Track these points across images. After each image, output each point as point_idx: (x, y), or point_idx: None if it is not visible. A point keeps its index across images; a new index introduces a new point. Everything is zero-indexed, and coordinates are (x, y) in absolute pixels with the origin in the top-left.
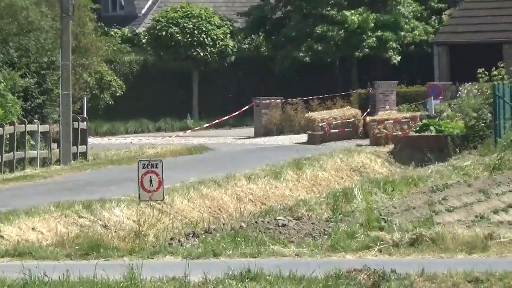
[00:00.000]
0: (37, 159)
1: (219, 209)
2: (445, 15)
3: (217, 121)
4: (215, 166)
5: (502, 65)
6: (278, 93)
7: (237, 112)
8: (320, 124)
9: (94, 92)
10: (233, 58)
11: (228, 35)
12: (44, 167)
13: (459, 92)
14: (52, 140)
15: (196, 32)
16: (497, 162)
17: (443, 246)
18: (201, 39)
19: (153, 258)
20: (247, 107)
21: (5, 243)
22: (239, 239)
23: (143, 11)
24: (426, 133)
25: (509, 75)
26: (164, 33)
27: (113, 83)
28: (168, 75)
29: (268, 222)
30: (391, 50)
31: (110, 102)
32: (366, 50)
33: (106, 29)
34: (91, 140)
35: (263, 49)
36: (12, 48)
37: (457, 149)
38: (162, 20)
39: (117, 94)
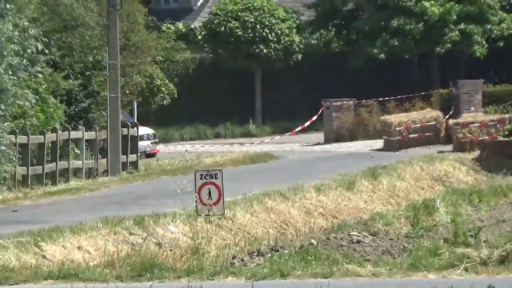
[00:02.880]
0: (82, 170)
1: (286, 224)
2: None
3: (288, 133)
4: (281, 176)
5: None
6: (351, 94)
7: (308, 122)
8: (398, 128)
9: (146, 94)
10: (299, 56)
11: (294, 30)
12: (90, 178)
13: None
14: (99, 149)
15: (258, 26)
16: None
17: None
18: (264, 34)
19: (213, 279)
20: (319, 112)
21: (48, 263)
22: (309, 257)
23: (198, 4)
24: None
25: None
26: (222, 28)
27: (162, 88)
28: (228, 75)
29: (341, 238)
30: (476, 45)
31: (166, 102)
32: (448, 45)
33: (158, 24)
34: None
35: (334, 45)
36: (54, 46)
37: None
38: (220, 13)
39: (163, 103)
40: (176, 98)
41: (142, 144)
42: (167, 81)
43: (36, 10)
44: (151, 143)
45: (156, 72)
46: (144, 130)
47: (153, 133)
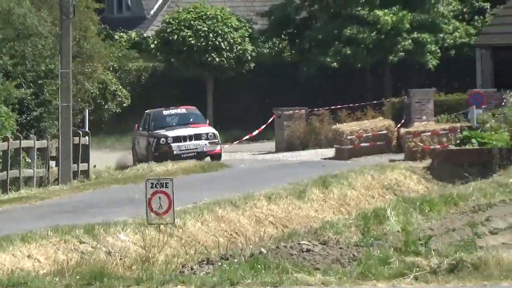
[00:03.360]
0: (33, 179)
1: (236, 232)
2: (489, 15)
3: (236, 142)
4: (231, 185)
5: None
6: (303, 103)
7: (256, 131)
8: (349, 137)
9: (98, 101)
10: (252, 65)
11: (247, 39)
12: (41, 187)
13: (505, 100)
14: (51, 158)
15: (211, 35)
16: None
17: (486, 273)
18: (217, 43)
19: None
20: (269, 121)
21: None
22: (259, 266)
23: (151, 12)
24: (467, 147)
25: None
26: (175, 36)
27: (119, 93)
28: (180, 84)
29: (291, 247)
30: (428, 54)
31: (118, 111)
32: (401, 54)
33: (111, 32)
34: (95, 156)
35: (286, 54)
36: (7, 55)
37: (502, 164)
38: (173, 22)
39: (124, 105)
40: (128, 106)
41: (199, 143)
42: (121, 87)
43: None
44: (210, 143)
45: (109, 78)
46: (202, 129)
47: (213, 133)
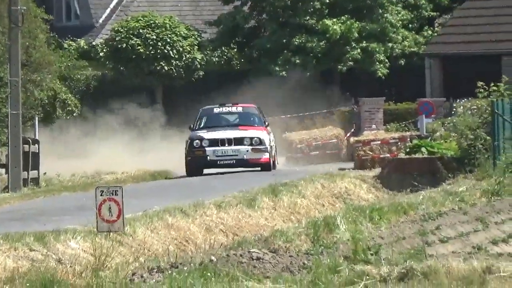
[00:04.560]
0: None
1: (186, 240)
2: (438, 24)
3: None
4: (181, 193)
5: (502, 79)
6: None
7: None
8: (299, 146)
9: (47, 109)
10: (201, 73)
11: (196, 47)
12: None
13: (454, 110)
14: (0, 165)
15: (160, 44)
16: (496, 187)
17: (436, 281)
18: (166, 51)
19: None
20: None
21: None
22: (208, 274)
23: (100, 21)
24: (417, 155)
25: (509, 90)
26: (124, 45)
27: (69, 101)
28: (129, 92)
29: (241, 255)
30: (377, 63)
31: (68, 118)
32: (350, 63)
33: (59, 41)
34: (43, 164)
35: (235, 62)
36: None
37: (451, 173)
38: (121, 30)
39: (74, 114)
40: (78, 115)
41: (239, 149)
42: (70, 95)
43: None
44: (253, 149)
45: (58, 87)
46: (248, 133)
47: (258, 138)
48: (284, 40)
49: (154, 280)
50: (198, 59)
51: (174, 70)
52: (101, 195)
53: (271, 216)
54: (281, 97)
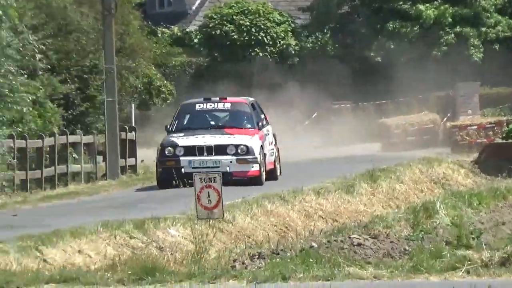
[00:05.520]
0: (81, 174)
1: (286, 227)
2: None
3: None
4: (280, 179)
5: None
6: (347, 97)
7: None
8: (395, 131)
9: (143, 96)
10: (296, 59)
11: (290, 33)
12: (89, 182)
13: None
14: (98, 153)
15: (253, 30)
16: None
17: None
18: (260, 37)
19: (214, 283)
20: (313, 116)
21: (49, 267)
22: (310, 260)
23: (193, 8)
24: None
25: None
26: (218, 31)
27: (163, 89)
28: (224, 78)
29: (341, 241)
30: (472, 48)
31: (163, 106)
32: (444, 48)
33: (153, 28)
34: (141, 152)
35: (329, 48)
36: (51, 50)
37: None
38: (215, 17)
39: (168, 102)
40: (173, 102)
41: (221, 160)
42: (165, 82)
43: (32, 16)
44: (238, 160)
45: (153, 74)
46: (233, 139)
47: (245, 146)
48: (378, 26)
49: (255, 267)
50: (292, 45)
51: (269, 56)
52: (200, 182)
53: (369, 202)
54: (376, 82)
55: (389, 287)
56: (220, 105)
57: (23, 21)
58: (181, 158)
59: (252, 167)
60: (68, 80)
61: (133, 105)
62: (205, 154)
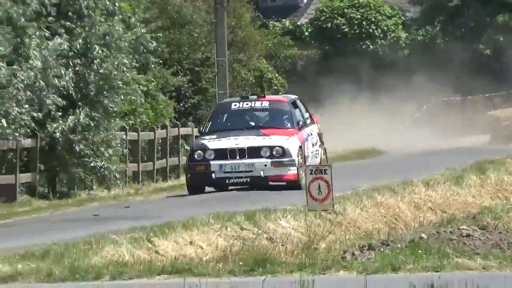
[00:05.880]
0: None
1: (396, 218)
2: None
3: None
4: (388, 171)
5: None
6: (456, 90)
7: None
8: (505, 123)
9: (255, 89)
10: (406, 52)
11: (400, 26)
12: None
13: None
14: None
15: (364, 23)
16: None
17: None
18: (371, 30)
19: (325, 273)
20: (424, 108)
21: (161, 259)
22: (419, 251)
23: (305, 1)
24: None
25: None
26: (329, 24)
27: (275, 81)
28: (334, 71)
29: (450, 232)
30: None
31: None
32: None
33: (265, 21)
34: None
35: (439, 40)
36: (163, 43)
37: None
38: (326, 10)
39: (279, 93)
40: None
41: (254, 163)
42: (277, 75)
43: (145, 9)
44: (273, 163)
45: (265, 66)
46: (268, 140)
47: (281, 147)
48: (488, 19)
49: (365, 258)
50: (402, 38)
51: (380, 49)
52: (310, 174)
53: (478, 194)
54: (485, 75)
55: (498, 278)
56: (258, 104)
57: (136, 15)
58: (211, 162)
59: (289, 170)
60: (180, 73)
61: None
62: (238, 157)
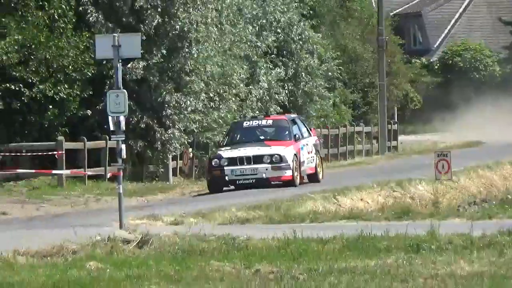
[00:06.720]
0: (362, 151)
1: (491, 185)
2: None
3: None
4: (486, 155)
5: None
6: None
7: None
8: None
9: (403, 102)
10: (498, 79)
11: (496, 63)
12: (367, 156)
13: None
14: (373, 137)
15: (472, 60)
16: None
17: None
18: (476, 65)
19: (446, 220)
20: None
21: (342, 209)
22: (506, 206)
23: (435, 45)
24: None
25: None
26: (450, 61)
27: (414, 99)
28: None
29: None
30: None
31: (417, 107)
32: None
33: (409, 58)
34: (400, 137)
35: None
36: (344, 72)
37: None
38: (448, 52)
39: (416, 108)
40: (420, 107)
41: (258, 168)
42: (416, 94)
43: (333, 50)
44: (273, 168)
45: (409, 89)
46: (269, 150)
47: (278, 155)
48: None
49: (472, 210)
50: (497, 70)
51: (482, 78)
52: (437, 156)
53: None
54: None
55: None
56: (264, 122)
57: (327, 53)
58: (225, 167)
59: (285, 172)
60: (355, 92)
61: (395, 108)
62: (245, 163)
